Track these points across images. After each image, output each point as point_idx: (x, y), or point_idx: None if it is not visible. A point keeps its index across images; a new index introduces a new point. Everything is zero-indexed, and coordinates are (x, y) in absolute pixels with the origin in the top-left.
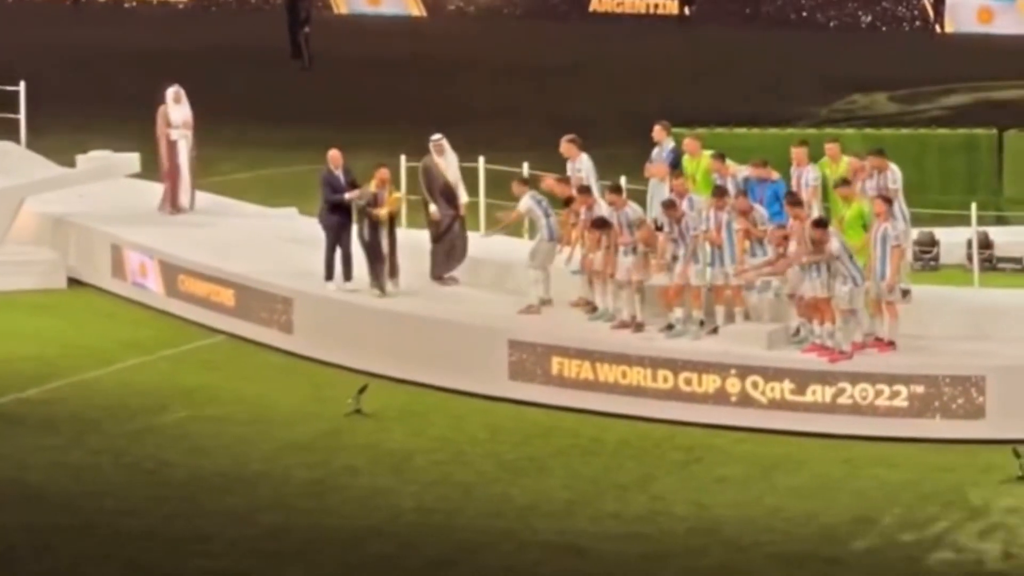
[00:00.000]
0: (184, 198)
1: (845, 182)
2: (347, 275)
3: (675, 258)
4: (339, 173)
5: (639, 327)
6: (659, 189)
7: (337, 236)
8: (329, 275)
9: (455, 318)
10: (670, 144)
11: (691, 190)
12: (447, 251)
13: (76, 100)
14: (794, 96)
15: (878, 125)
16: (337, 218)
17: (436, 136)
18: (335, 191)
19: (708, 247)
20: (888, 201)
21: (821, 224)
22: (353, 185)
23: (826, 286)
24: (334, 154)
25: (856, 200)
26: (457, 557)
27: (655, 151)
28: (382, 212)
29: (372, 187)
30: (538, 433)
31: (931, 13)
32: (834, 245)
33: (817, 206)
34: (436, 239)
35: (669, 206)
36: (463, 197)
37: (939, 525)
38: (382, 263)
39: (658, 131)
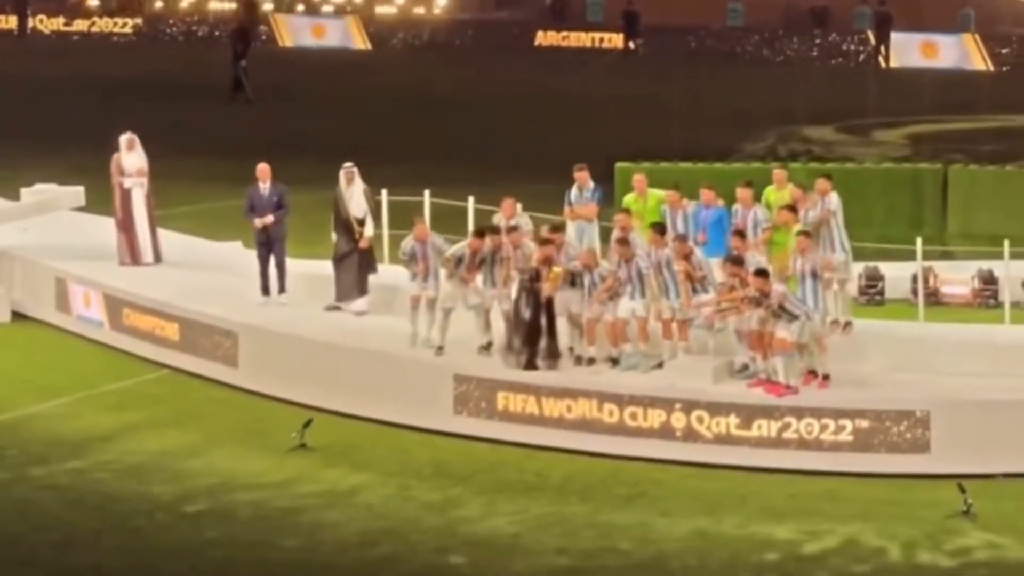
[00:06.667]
0: (147, 253)
1: (792, 208)
2: (281, 287)
3: (616, 295)
4: (265, 188)
5: (583, 360)
6: (589, 230)
7: (265, 250)
8: (264, 291)
9: (400, 352)
10: (591, 185)
11: (637, 228)
12: (342, 281)
13: (20, 133)
14: (739, 130)
15: (823, 159)
16: (257, 233)
17: (347, 164)
18: (251, 208)
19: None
20: (808, 235)
21: (762, 274)
22: (279, 205)
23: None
24: (262, 168)
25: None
26: None
27: (573, 193)
28: (548, 288)
29: (534, 260)
30: (483, 468)
31: (876, 48)
32: (777, 291)
33: (764, 249)
34: (335, 267)
35: (622, 243)
36: (367, 231)
37: (884, 560)
38: (538, 339)
39: (583, 176)
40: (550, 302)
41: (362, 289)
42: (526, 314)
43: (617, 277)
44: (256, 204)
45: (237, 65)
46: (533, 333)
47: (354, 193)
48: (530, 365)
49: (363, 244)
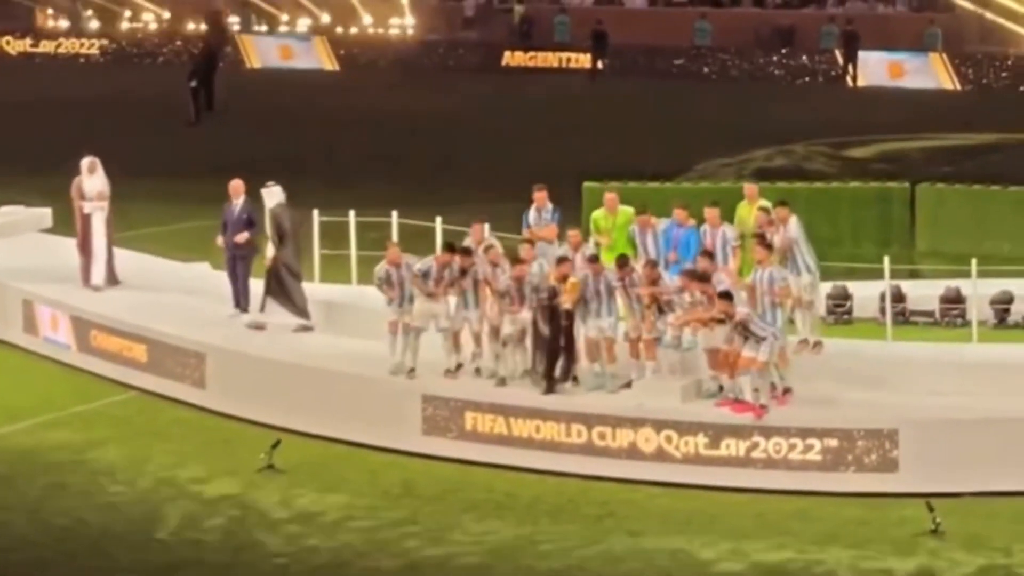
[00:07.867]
0: (98, 276)
1: (762, 237)
2: (244, 307)
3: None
4: (236, 205)
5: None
6: (550, 251)
7: (233, 265)
8: (236, 303)
9: (368, 372)
10: (550, 206)
11: (604, 245)
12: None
13: None
14: (707, 150)
15: (791, 178)
16: (227, 251)
17: (268, 183)
18: (223, 225)
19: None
20: (769, 247)
21: (726, 296)
22: (250, 222)
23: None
24: (233, 185)
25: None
26: None
27: (532, 215)
28: (568, 299)
29: (551, 279)
30: (452, 488)
31: (843, 67)
32: (741, 313)
33: (735, 266)
34: None
35: (593, 260)
36: (268, 251)
37: None
38: (556, 357)
39: (541, 197)
40: (570, 320)
41: (274, 301)
42: (545, 331)
43: (582, 289)
44: (227, 221)
45: (188, 84)
46: (554, 352)
47: (265, 211)
48: (550, 390)
49: (265, 263)
